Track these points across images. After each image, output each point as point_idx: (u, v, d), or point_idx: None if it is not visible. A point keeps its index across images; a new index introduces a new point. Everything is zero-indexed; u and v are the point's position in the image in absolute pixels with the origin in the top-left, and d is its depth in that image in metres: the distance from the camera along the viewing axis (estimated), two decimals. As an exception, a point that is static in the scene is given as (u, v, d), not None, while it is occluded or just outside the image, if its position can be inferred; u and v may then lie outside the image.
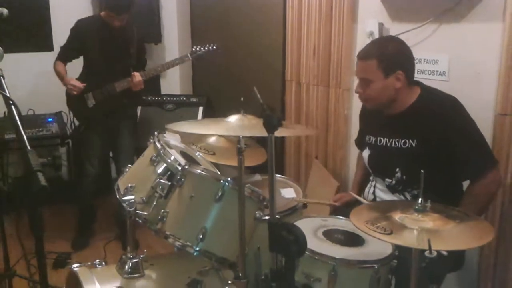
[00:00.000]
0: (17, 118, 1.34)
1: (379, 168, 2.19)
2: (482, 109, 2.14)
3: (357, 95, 2.13)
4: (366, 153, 2.23)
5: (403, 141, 2.04)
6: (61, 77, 3.32)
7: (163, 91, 4.26)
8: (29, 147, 1.24)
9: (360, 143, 2.35)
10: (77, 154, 3.94)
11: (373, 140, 2.18)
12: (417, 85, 2.08)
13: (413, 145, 2.01)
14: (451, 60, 2.33)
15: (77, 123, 3.84)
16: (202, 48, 3.29)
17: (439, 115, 1.96)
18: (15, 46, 3.82)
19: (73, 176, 4.08)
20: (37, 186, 1.10)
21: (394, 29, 2.59)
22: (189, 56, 3.30)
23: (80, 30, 3.33)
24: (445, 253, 1.45)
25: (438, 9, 2.34)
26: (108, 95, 3.30)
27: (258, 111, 1.52)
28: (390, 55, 1.99)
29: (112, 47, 3.31)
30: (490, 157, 1.97)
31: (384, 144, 2.12)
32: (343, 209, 2.21)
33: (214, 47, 3.30)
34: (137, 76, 3.25)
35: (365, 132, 2.26)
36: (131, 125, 3.51)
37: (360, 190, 2.37)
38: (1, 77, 1.62)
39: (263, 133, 1.34)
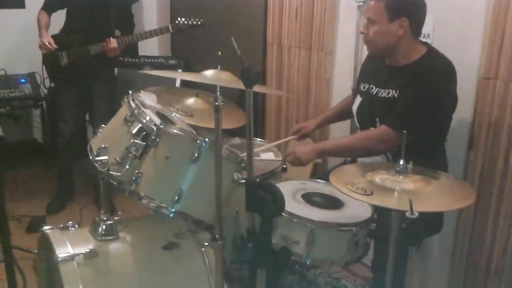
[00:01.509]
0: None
1: (363, 118, 2.17)
2: (465, 72, 2.10)
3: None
4: (357, 101, 2.20)
5: (388, 91, 2.02)
6: (39, 29, 3.20)
7: (140, 53, 4.13)
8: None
9: (354, 91, 2.33)
10: (52, 115, 3.83)
11: (366, 87, 2.16)
12: (425, 45, 2.04)
13: (395, 95, 1.99)
14: (436, 21, 2.27)
15: (51, 84, 3.71)
16: (185, 22, 3.17)
17: (425, 75, 1.92)
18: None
19: (48, 139, 3.97)
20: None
21: (379, -11, 2.51)
22: (170, 28, 3.19)
23: None
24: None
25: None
26: (82, 56, 3.18)
27: (236, 70, 1.45)
28: (399, 0, 1.95)
29: (93, 6, 3.20)
30: (405, 124, 1.85)
31: (374, 92, 2.10)
32: (323, 172, 2.19)
33: (199, 23, 3.19)
34: (113, 42, 3.14)
35: (362, 80, 2.23)
36: (107, 89, 3.39)
37: (325, 121, 2.50)
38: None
39: (240, 86, 1.27)
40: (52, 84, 3.69)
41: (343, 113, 2.43)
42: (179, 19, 3.20)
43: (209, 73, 1.75)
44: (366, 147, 2.03)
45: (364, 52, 2.63)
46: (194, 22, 3.20)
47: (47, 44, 3.14)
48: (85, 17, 3.22)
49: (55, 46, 3.16)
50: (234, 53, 1.32)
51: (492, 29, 2.06)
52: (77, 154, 3.52)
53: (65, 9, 3.30)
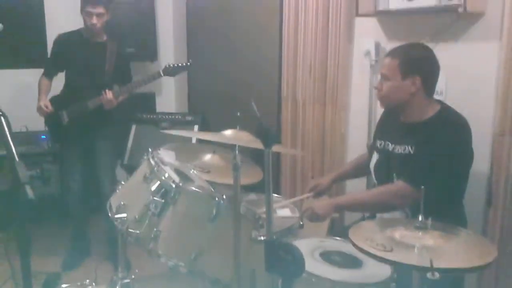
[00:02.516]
0: (6, 129, 1.30)
1: (380, 174, 2.19)
2: (480, 129, 2.11)
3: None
4: (374, 158, 2.22)
5: (403, 147, 2.05)
6: (38, 94, 3.31)
7: (158, 109, 4.23)
8: (17, 159, 1.20)
9: (371, 148, 2.35)
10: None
11: (382, 144, 2.19)
12: (438, 103, 2.08)
13: (411, 152, 2.01)
14: (448, 78, 2.32)
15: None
16: (175, 65, 3.26)
17: (441, 132, 1.95)
18: (10, 62, 3.79)
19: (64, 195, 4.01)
20: (24, 199, 1.06)
21: (391, 48, 2.57)
22: (161, 73, 3.27)
23: (59, 44, 3.34)
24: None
25: (434, 28, 2.35)
26: (81, 112, 3.26)
27: (254, 129, 1.48)
28: (412, 59, 2.01)
29: (89, 63, 3.28)
30: (421, 179, 1.85)
31: (390, 149, 2.12)
32: (340, 229, 2.17)
33: (188, 63, 3.28)
34: (109, 94, 3.19)
35: (377, 136, 2.26)
36: (109, 144, 3.44)
37: (341, 177, 2.50)
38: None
39: (260, 146, 1.30)
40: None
41: (359, 170, 2.44)
42: (168, 63, 3.29)
43: (228, 132, 1.79)
44: (384, 202, 2.02)
45: (378, 108, 2.68)
46: (183, 64, 3.27)
47: (43, 107, 3.24)
48: (82, 75, 3.29)
49: (51, 108, 3.25)
50: (252, 112, 1.36)
51: (505, 86, 2.09)
52: (90, 209, 3.55)
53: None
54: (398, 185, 1.99)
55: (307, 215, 2.12)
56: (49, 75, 3.39)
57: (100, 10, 3.18)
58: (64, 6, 3.96)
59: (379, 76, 2.13)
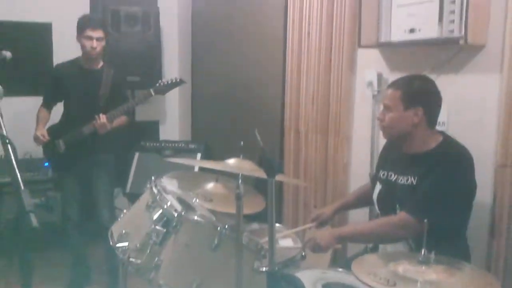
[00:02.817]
0: (12, 156, 1.31)
1: (383, 205, 2.18)
2: (482, 160, 2.11)
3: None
4: (377, 188, 2.22)
5: (406, 177, 2.05)
6: (36, 124, 3.33)
7: (162, 137, 4.25)
8: (22, 187, 1.21)
9: (374, 178, 2.35)
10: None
11: (385, 175, 2.19)
12: (441, 134, 2.09)
13: (414, 182, 2.01)
14: (450, 110, 2.33)
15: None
16: (166, 82, 3.27)
17: (444, 163, 1.95)
18: (17, 89, 3.83)
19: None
20: (29, 227, 1.06)
21: (393, 79, 2.59)
22: (152, 92, 3.28)
23: (56, 74, 3.38)
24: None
25: (436, 60, 2.38)
26: (77, 139, 3.26)
27: (257, 158, 1.50)
28: (415, 91, 2.03)
29: (85, 90, 3.30)
30: (424, 211, 1.87)
31: (392, 180, 2.12)
32: (343, 260, 2.16)
33: (178, 80, 3.29)
34: (102, 118, 3.18)
35: (380, 167, 2.27)
36: (107, 172, 3.43)
37: (343, 207, 2.48)
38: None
39: (263, 175, 1.31)
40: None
41: (362, 200, 2.44)
42: (160, 81, 3.30)
43: (231, 161, 1.80)
44: (386, 233, 2.01)
45: (381, 138, 2.69)
46: (175, 81, 3.26)
47: (40, 136, 3.24)
48: (79, 104, 3.31)
49: (47, 138, 3.26)
50: (255, 142, 1.37)
51: (506, 117, 2.10)
52: (90, 237, 3.53)
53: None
54: (401, 216, 1.98)
55: (309, 245, 2.10)
56: (47, 105, 3.42)
57: (100, 34, 3.22)
58: (71, 35, 4.03)
59: (381, 107, 2.15)
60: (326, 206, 2.64)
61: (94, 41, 3.20)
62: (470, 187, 2.00)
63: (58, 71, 3.40)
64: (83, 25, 3.22)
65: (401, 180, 2.07)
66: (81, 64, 3.33)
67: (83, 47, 3.24)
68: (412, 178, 2.01)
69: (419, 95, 2.02)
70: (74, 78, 3.31)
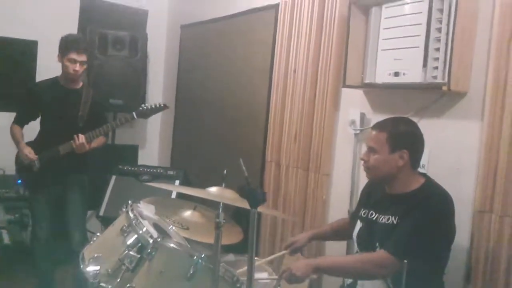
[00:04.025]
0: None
1: (363, 242, 2.17)
2: (460, 205, 2.13)
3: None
4: (357, 226, 2.21)
5: (387, 217, 2.04)
6: (17, 141, 3.28)
7: (140, 161, 4.21)
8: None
9: (354, 216, 2.33)
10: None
11: (367, 213, 2.18)
12: (423, 176, 2.11)
13: (394, 222, 2.00)
14: (431, 153, 2.36)
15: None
16: (150, 107, 3.25)
17: (424, 204, 1.95)
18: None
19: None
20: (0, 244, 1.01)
21: (375, 119, 2.63)
22: (134, 115, 3.25)
23: (33, 92, 3.35)
24: None
25: (418, 104, 2.42)
26: (53, 158, 3.20)
27: (240, 188, 1.48)
28: (401, 133, 2.04)
29: (64, 109, 3.27)
30: (404, 251, 1.87)
31: (374, 218, 2.12)
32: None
33: (162, 105, 3.27)
34: (81, 138, 3.15)
35: (361, 205, 2.26)
36: (81, 194, 3.37)
37: (318, 236, 2.49)
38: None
39: (245, 205, 1.29)
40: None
41: (338, 233, 2.43)
42: (143, 105, 3.27)
43: (213, 189, 1.78)
44: (364, 270, 1.98)
45: (361, 176, 2.70)
46: (157, 105, 3.25)
47: (28, 155, 3.19)
48: (56, 122, 3.27)
49: (35, 156, 3.20)
50: (236, 171, 1.35)
51: (486, 164, 2.13)
52: (57, 262, 3.41)
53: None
54: (380, 254, 1.96)
55: (285, 276, 2.07)
56: (20, 122, 3.36)
57: (84, 58, 3.22)
58: (57, 53, 4.01)
59: (364, 148, 2.16)
60: (300, 233, 2.61)
61: (78, 64, 3.19)
62: (450, 230, 2.00)
63: (37, 88, 3.36)
64: (68, 47, 3.20)
65: (382, 219, 2.07)
66: (61, 83, 3.30)
67: (65, 68, 3.22)
68: (393, 218, 2.01)
69: (405, 138, 2.04)
70: (53, 96, 3.28)
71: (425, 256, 1.90)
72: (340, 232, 2.41)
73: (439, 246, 1.97)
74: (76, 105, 3.29)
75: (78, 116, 3.26)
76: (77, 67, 3.18)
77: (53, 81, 3.34)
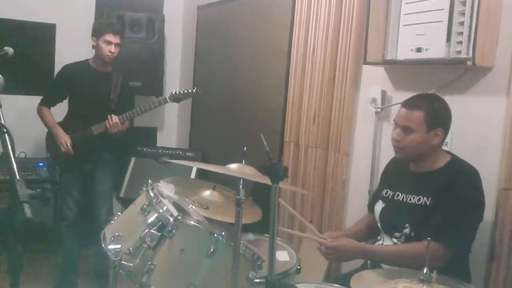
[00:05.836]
0: (9, 146, 1.28)
1: (389, 222, 2.14)
2: (485, 183, 2.08)
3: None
4: (379, 206, 2.18)
5: (418, 197, 2.01)
6: (51, 126, 3.34)
7: (159, 144, 4.22)
8: (18, 177, 1.17)
9: (373, 200, 2.30)
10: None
11: (391, 194, 2.15)
12: (447, 152, 2.09)
13: (427, 203, 1.98)
14: (454, 131, 2.31)
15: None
16: (182, 91, 3.31)
17: (457, 183, 1.94)
18: (15, 87, 3.80)
19: (57, 224, 3.93)
20: (22, 217, 1.01)
21: (397, 97, 2.60)
22: (168, 99, 3.30)
23: (66, 74, 3.39)
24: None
25: (442, 80, 2.36)
26: (86, 138, 3.28)
27: (261, 163, 1.46)
28: (437, 111, 2.02)
29: (95, 92, 3.34)
30: (456, 238, 1.87)
31: (400, 199, 2.09)
32: (338, 276, 2.11)
33: (194, 90, 3.32)
34: (114, 118, 3.23)
35: (384, 186, 2.22)
36: (108, 172, 3.43)
37: (354, 236, 2.31)
38: (-1, 107, 1.57)
39: (266, 181, 1.27)
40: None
41: (371, 229, 2.33)
42: (174, 90, 3.32)
43: (233, 166, 1.77)
44: (415, 264, 1.79)
45: (382, 155, 2.67)
46: (190, 91, 3.31)
47: (64, 145, 3.25)
48: (87, 104, 3.33)
49: (71, 149, 3.25)
50: (255, 150, 1.33)
51: (511, 141, 2.08)
52: (82, 242, 3.47)
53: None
54: (428, 246, 1.84)
55: (329, 253, 2.05)
56: (49, 103, 3.42)
57: (118, 40, 3.31)
58: (75, 36, 4.02)
59: (386, 126, 2.12)
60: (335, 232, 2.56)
61: (113, 46, 3.28)
62: (483, 205, 1.98)
63: (68, 71, 3.41)
64: (103, 29, 3.29)
65: (411, 200, 2.04)
66: (93, 67, 3.35)
67: (100, 50, 3.28)
68: (425, 199, 1.98)
69: (441, 116, 2.02)
70: (84, 78, 3.35)
71: (470, 237, 1.91)
72: (373, 228, 2.30)
73: (477, 224, 1.95)
74: (107, 88, 3.36)
75: (109, 98, 3.32)
76: (113, 48, 3.27)
77: (84, 64, 3.41)
